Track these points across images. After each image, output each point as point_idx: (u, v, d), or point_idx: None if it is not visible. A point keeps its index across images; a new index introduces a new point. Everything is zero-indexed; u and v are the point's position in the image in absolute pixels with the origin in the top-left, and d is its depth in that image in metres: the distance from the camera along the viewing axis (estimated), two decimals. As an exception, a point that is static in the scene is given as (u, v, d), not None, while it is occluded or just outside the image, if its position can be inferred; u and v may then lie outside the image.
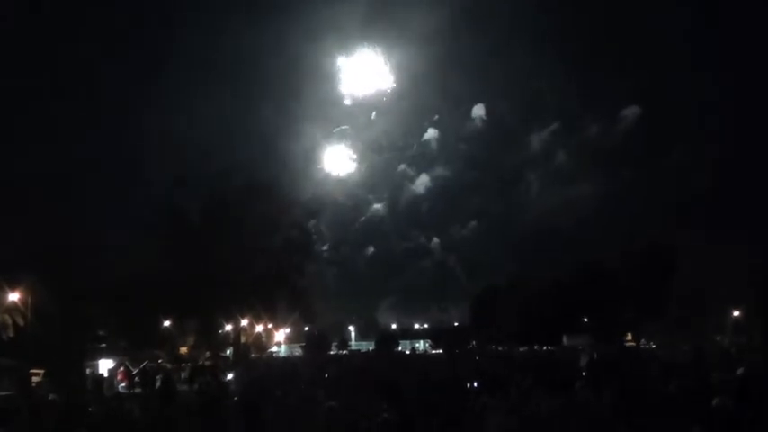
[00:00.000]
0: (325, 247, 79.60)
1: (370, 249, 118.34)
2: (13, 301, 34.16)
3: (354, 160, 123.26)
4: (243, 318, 52.16)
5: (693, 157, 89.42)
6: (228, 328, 52.07)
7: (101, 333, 44.08)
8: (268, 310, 55.85)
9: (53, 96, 78.46)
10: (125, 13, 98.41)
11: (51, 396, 17.40)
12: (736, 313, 54.38)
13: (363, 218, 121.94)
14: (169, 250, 49.22)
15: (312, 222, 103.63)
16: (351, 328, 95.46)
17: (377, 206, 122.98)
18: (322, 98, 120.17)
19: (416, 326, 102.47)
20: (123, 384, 31.85)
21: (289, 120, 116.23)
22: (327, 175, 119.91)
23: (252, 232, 52.38)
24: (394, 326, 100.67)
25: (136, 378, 32.18)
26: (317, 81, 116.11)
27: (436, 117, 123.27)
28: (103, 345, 42.73)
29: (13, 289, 33.74)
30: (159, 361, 40.38)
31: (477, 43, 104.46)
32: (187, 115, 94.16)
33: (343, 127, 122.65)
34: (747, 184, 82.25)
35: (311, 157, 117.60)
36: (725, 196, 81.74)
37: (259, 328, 57.48)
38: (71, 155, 73.40)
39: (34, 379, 27.14)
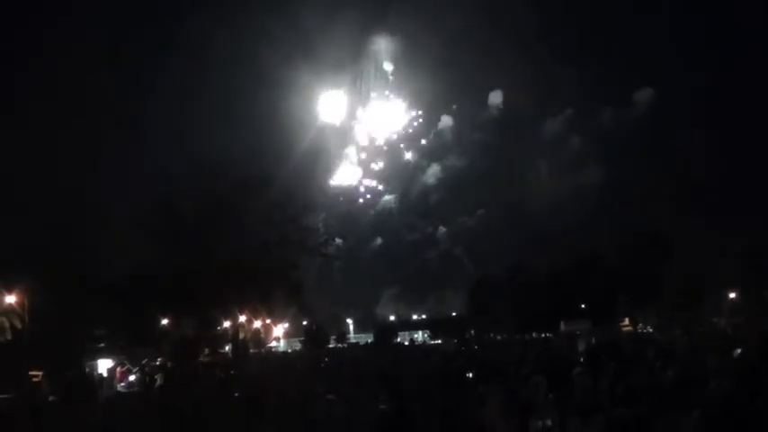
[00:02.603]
0: (332, 240, 79.93)
1: (378, 241, 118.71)
2: (10, 304, 34.10)
3: (366, 151, 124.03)
4: (241, 314, 52.15)
5: (696, 143, 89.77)
6: (227, 324, 52.07)
7: (99, 332, 44.06)
8: (266, 305, 55.83)
9: (47, 93, 78.24)
10: (118, 8, 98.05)
11: (51, 398, 17.42)
12: (732, 295, 54.62)
13: (373, 210, 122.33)
14: (166, 247, 49.15)
15: (322, 215, 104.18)
16: (349, 320, 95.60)
17: (387, 197, 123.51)
18: (335, 90, 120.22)
19: (414, 317, 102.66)
20: (123, 383, 31.85)
21: (298, 112, 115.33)
22: (339, 166, 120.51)
23: (249, 227, 52.27)
24: (392, 317, 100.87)
25: (135, 377, 32.20)
26: (328, 74, 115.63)
27: (454, 107, 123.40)
28: (102, 344, 42.73)
29: (9, 291, 33.68)
30: (158, 359, 40.40)
31: (492, 31, 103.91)
32: (185, 109, 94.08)
33: (359, 118, 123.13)
34: (747, 168, 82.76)
35: (324, 149, 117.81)
36: (724, 181, 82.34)
37: (257, 323, 57.48)
38: (65, 153, 73.26)
39: (33, 381, 27.11)
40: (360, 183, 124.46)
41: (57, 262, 39.25)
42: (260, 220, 52.87)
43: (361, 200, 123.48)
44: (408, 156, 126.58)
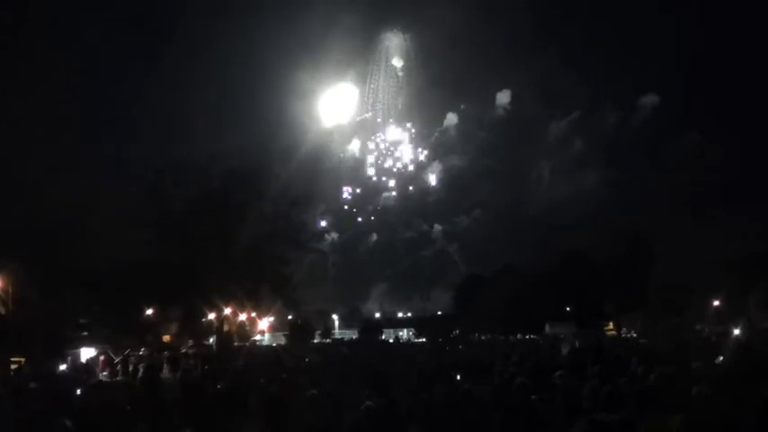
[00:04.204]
0: (322, 235, 79.87)
1: (374, 237, 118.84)
2: (-6, 290, 33.93)
3: (370, 148, 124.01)
4: (226, 306, 52.01)
5: (693, 150, 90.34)
6: (211, 316, 51.92)
7: (82, 321, 43.85)
8: (251, 298, 55.69)
9: (37, 82, 77.67)
10: (121, 3, 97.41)
11: (32, 384, 17.28)
12: (716, 303, 54.96)
13: (372, 206, 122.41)
14: (152, 238, 48.99)
15: (321, 210, 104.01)
16: (334, 316, 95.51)
17: (387, 194, 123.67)
18: (343, 85, 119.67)
19: (400, 314, 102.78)
20: (105, 372, 31.65)
21: (305, 106, 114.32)
22: (342, 162, 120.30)
23: (239, 220, 52.16)
24: (377, 314, 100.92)
25: (118, 366, 32.02)
26: (337, 69, 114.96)
27: (462, 106, 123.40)
28: (85, 333, 42.50)
29: (-7, 277, 33.53)
30: (142, 349, 40.23)
31: (500, 33, 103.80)
32: (176, 99, 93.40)
33: (366, 115, 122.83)
34: (742, 176, 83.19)
35: (328, 145, 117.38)
36: (719, 187, 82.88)
37: (242, 316, 57.36)
38: (53, 141, 72.79)
39: (13, 367, 26.96)
40: (361, 179, 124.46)
41: (43, 250, 39.05)
42: (250, 213, 52.75)
43: (360, 196, 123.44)
44: (410, 153, 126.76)
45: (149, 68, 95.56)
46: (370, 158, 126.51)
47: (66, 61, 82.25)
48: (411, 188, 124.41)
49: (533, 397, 9.37)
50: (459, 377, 14.68)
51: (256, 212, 53.25)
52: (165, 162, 54.27)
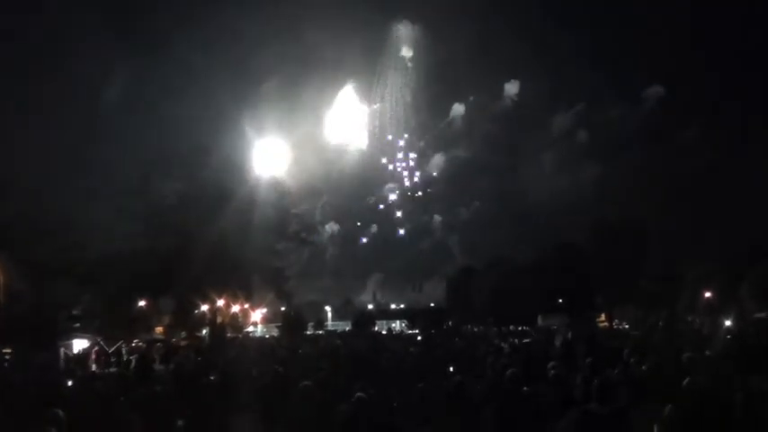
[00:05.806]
0: (314, 227, 79.85)
1: (374, 229, 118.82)
2: (-16, 281, 33.74)
3: (374, 138, 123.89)
4: (219, 298, 51.93)
5: (695, 143, 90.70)
6: (204, 308, 51.85)
7: (75, 313, 43.76)
8: (245, 290, 55.63)
9: (25, 72, 77.32)
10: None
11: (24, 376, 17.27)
12: (707, 294, 55.20)
13: (373, 198, 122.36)
14: (144, 229, 48.81)
15: (322, 201, 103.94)
16: (327, 308, 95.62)
17: (389, 185, 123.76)
18: (349, 76, 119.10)
19: (393, 306, 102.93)
20: (98, 364, 31.65)
21: (304, 100, 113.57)
22: (346, 152, 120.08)
23: (231, 211, 52.04)
24: (370, 306, 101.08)
25: (111, 358, 32.03)
26: (338, 60, 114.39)
27: (471, 98, 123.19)
28: (77, 325, 42.44)
29: (-17, 268, 33.35)
30: (135, 341, 40.18)
31: (508, 23, 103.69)
32: (169, 92, 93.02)
33: (374, 106, 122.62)
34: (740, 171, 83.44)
35: (332, 136, 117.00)
36: (715, 181, 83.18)
37: (235, 308, 57.28)
38: (43, 131, 72.49)
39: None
40: (365, 171, 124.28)
41: (34, 242, 38.87)
42: (243, 204, 52.61)
43: (363, 187, 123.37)
44: (415, 144, 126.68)
45: (153, 66, 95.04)
46: (375, 150, 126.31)
47: (54, 58, 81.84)
48: (414, 179, 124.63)
49: (526, 388, 9.40)
50: (451, 369, 14.69)
51: (249, 204, 53.12)
52: (158, 154, 54.19)
